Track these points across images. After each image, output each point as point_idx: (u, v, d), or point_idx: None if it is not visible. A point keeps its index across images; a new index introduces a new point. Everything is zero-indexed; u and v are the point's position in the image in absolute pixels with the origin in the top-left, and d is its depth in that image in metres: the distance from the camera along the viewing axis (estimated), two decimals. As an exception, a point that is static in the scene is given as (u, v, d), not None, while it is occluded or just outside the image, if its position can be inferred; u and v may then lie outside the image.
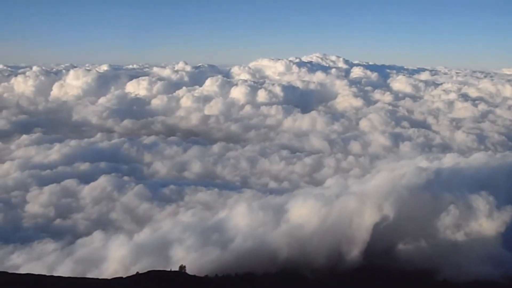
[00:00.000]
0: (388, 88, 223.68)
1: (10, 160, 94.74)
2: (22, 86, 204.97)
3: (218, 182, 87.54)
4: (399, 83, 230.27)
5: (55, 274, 39.81)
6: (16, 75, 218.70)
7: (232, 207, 61.05)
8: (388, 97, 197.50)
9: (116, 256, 47.60)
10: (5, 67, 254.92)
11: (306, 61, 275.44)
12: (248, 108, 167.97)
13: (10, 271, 36.98)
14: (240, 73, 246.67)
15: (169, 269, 37.60)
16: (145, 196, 75.57)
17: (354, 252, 46.96)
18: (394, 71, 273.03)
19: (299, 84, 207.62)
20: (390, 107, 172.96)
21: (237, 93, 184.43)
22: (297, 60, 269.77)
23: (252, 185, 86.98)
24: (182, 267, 37.87)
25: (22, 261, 51.68)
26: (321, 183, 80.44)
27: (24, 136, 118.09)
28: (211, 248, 47.37)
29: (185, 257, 45.72)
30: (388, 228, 49.29)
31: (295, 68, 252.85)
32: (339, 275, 44.96)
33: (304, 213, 52.00)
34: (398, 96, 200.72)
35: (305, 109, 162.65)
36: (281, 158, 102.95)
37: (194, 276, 36.30)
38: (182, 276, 35.33)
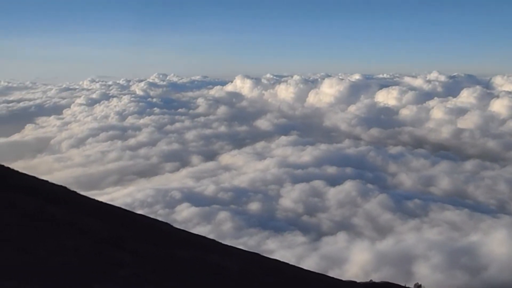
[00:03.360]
0: None
1: (270, 157, 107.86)
2: (284, 92, 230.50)
3: (469, 203, 79.67)
4: None
5: (302, 265, 43.19)
6: (279, 83, 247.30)
7: (486, 231, 55.00)
8: None
9: (357, 260, 48.73)
10: (271, 76, 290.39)
11: None
12: (511, 124, 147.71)
13: (262, 254, 41.99)
14: (503, 84, 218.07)
15: (404, 285, 36.18)
16: (388, 206, 74.82)
17: None
18: None
19: None
20: None
21: (498, 106, 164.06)
22: None
23: (511, 211, 76.45)
24: (417, 285, 36.00)
25: (274, 247, 57.80)
26: None
27: (283, 137, 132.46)
28: (458, 272, 43.73)
29: (427, 276, 43.42)
30: None
31: None
32: None
33: None
34: None
35: None
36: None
37: (431, 298, 34.19)
38: (418, 295, 33.46)
